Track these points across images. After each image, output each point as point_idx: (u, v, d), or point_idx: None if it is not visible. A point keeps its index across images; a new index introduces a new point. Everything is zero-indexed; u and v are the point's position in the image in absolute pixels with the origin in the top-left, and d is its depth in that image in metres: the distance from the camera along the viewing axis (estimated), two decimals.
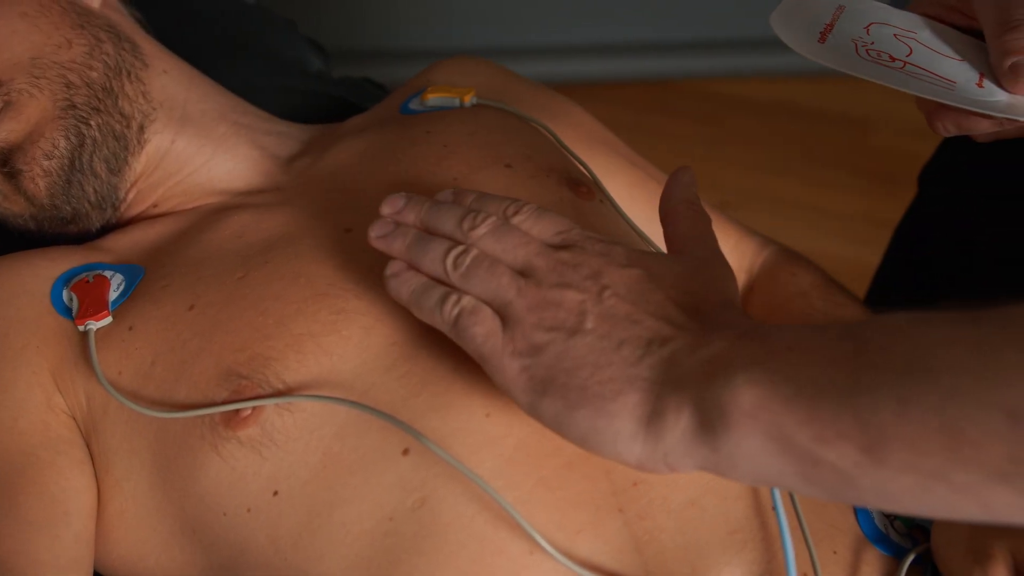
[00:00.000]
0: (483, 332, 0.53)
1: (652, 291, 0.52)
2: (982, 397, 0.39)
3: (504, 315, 0.53)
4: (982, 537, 0.59)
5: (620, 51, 2.02)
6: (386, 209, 0.60)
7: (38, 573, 0.60)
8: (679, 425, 0.47)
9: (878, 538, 0.63)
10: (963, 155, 0.85)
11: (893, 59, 0.63)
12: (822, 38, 0.64)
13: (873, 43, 0.64)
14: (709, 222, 0.59)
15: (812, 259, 0.87)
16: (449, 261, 0.55)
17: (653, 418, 0.48)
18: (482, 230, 0.56)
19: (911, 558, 0.62)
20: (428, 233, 0.58)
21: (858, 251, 1.45)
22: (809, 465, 0.43)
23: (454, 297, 0.54)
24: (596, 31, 1.99)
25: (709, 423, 0.46)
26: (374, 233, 0.59)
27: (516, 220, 0.57)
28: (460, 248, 0.56)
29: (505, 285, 0.54)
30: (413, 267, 0.57)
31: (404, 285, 0.57)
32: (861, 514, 0.64)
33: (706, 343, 0.49)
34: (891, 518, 0.64)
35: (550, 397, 0.50)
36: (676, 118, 2.00)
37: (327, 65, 1.09)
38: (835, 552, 0.61)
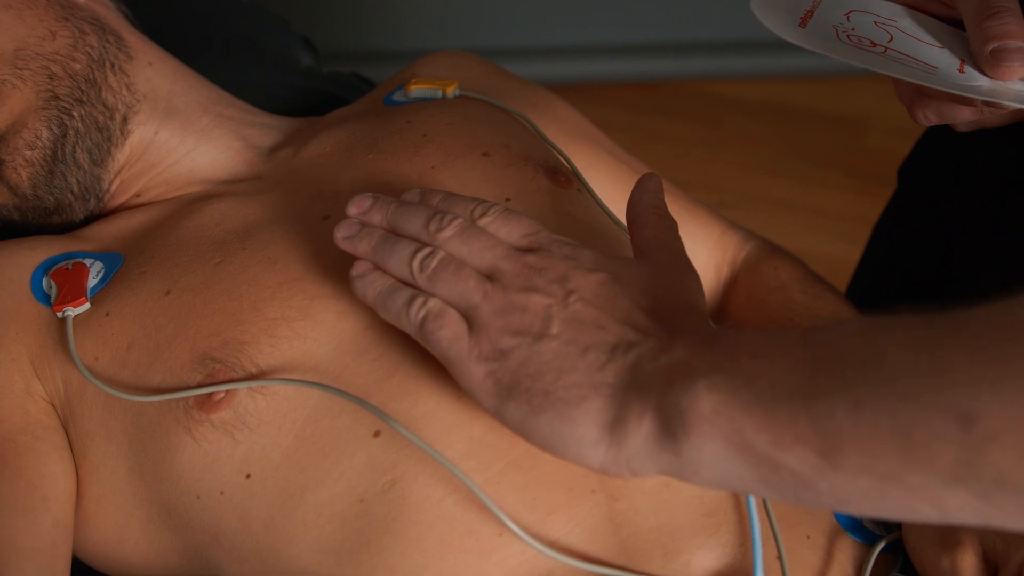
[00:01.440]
0: (449, 336, 0.53)
1: (618, 296, 0.52)
2: (933, 400, 0.39)
3: (470, 318, 0.53)
4: (951, 526, 0.58)
5: (617, 52, 2.01)
6: (352, 209, 0.60)
7: (16, 557, 0.60)
8: (641, 431, 0.47)
9: (852, 526, 0.63)
10: (942, 149, 0.85)
11: (874, 44, 0.62)
12: (803, 23, 0.64)
13: (854, 29, 0.64)
14: (675, 228, 0.59)
15: (807, 259, 0.87)
16: (415, 263, 0.55)
17: (616, 424, 0.48)
18: (448, 232, 0.56)
19: (881, 545, 0.62)
20: (395, 234, 0.58)
21: (852, 251, 1.44)
22: (768, 470, 0.44)
23: (420, 299, 0.54)
24: (593, 32, 1.99)
25: (670, 429, 0.46)
26: (340, 234, 0.59)
27: (483, 222, 0.57)
28: (427, 250, 0.56)
29: (471, 288, 0.54)
30: (379, 268, 0.57)
31: (370, 286, 0.57)
32: None
33: (669, 348, 0.49)
34: None
35: (515, 401, 0.51)
36: (673, 119, 2.00)
37: (317, 61, 1.09)
38: (808, 537, 0.61)
